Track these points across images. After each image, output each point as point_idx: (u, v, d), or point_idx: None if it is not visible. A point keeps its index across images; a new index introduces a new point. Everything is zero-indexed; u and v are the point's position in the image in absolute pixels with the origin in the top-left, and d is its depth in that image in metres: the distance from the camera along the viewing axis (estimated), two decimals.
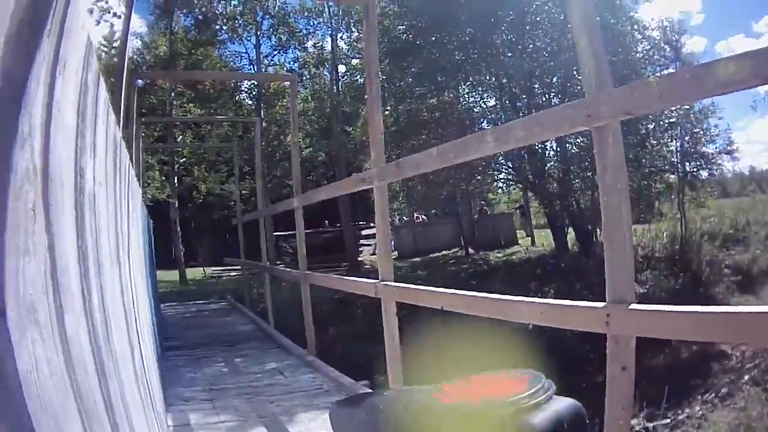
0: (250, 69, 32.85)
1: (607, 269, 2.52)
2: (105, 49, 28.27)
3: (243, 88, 33.86)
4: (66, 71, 1.34)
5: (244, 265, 15.53)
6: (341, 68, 33.13)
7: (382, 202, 4.85)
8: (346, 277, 5.34)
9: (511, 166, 26.43)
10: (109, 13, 9.03)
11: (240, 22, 31.38)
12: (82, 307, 1.44)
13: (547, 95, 24.92)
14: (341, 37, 32.70)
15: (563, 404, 1.28)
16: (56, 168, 1.22)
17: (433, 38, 24.01)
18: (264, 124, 29.52)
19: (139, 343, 3.46)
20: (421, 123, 24.79)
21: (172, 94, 29.02)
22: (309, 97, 31.93)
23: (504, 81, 24.89)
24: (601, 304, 2.50)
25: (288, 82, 12.84)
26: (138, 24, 32.18)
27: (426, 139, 23.69)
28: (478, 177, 26.26)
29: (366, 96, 5.23)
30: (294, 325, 10.32)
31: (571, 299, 2.85)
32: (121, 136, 3.04)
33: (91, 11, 8.97)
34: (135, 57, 31.06)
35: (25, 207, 0.96)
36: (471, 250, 29.54)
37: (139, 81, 31.48)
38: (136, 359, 2.88)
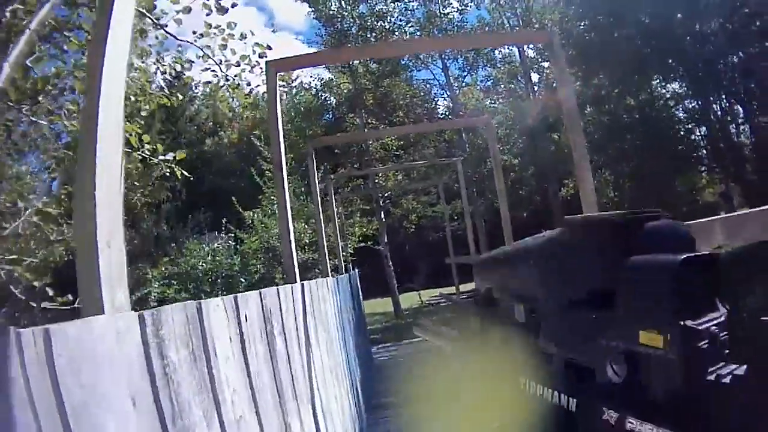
0: (441, 94, 32.92)
1: None
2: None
3: (440, 113, 33.90)
4: None
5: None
6: (534, 77, 32.46)
7: None
8: None
9: (710, 158, 25.08)
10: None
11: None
12: None
13: (730, 75, 23.76)
14: (528, 46, 31.79)
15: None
16: None
17: (616, 35, 23.13)
18: (466, 147, 29.30)
19: None
20: (623, 127, 23.92)
21: (366, 129, 29.39)
22: (509, 113, 31.37)
23: (688, 65, 23.54)
24: None
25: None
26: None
27: (630, 141, 23.00)
28: (683, 172, 25.03)
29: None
30: None
31: None
32: (301, 297, 2.84)
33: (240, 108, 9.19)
34: (322, 95, 32.05)
35: None
36: None
37: (329, 116, 32.67)
38: None
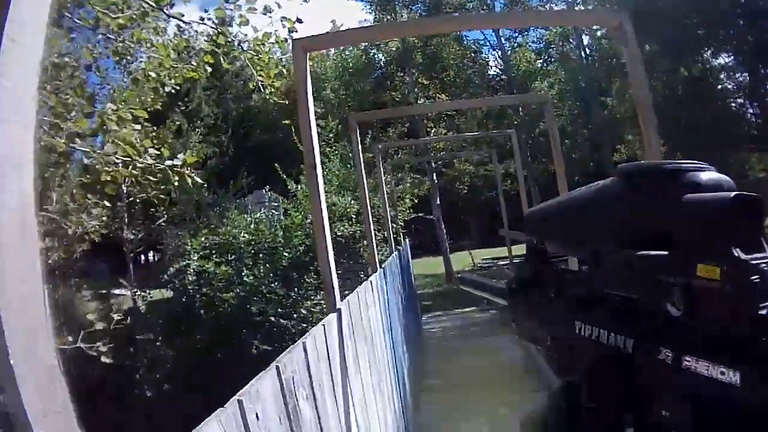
0: (492, 54, 32.74)
1: None
2: None
3: (491, 74, 33.48)
4: None
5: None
6: (585, 39, 31.55)
7: None
8: None
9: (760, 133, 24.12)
10: None
11: (470, 6, 29.58)
12: None
13: None
14: (579, 7, 30.73)
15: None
16: None
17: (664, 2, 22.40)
18: (519, 109, 28.50)
19: None
20: (675, 98, 23.28)
21: (416, 89, 28.78)
22: (561, 78, 30.45)
23: (738, 38, 23.25)
24: None
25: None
26: (362, 16, 32.95)
27: (682, 112, 22.54)
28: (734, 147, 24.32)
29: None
30: None
31: None
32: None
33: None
34: (371, 52, 31.70)
35: None
36: None
37: (379, 72, 32.12)
38: None
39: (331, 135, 15.73)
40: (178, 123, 20.06)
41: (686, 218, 1.35)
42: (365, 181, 7.83)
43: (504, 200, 14.10)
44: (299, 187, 13.91)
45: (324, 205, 3.81)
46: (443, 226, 27.90)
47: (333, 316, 3.45)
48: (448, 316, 15.87)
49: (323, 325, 3.09)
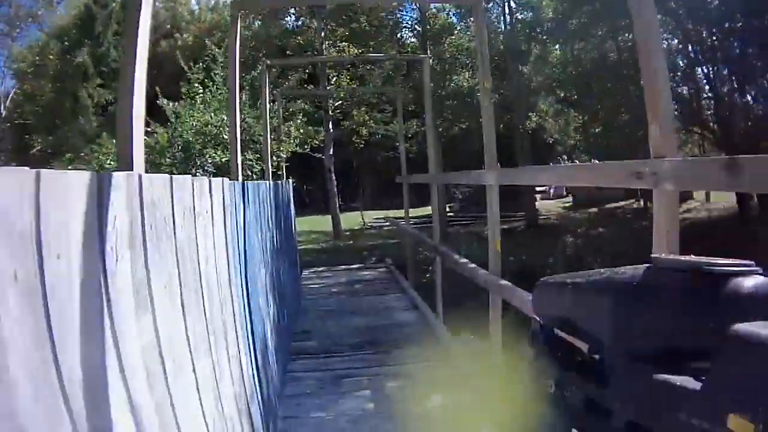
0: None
1: None
2: None
3: (405, 25, 32.32)
4: None
5: (405, 235, 13.08)
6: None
7: (669, 215, 2.78)
8: None
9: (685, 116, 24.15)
10: None
11: None
12: None
13: (727, 41, 23.17)
14: None
15: None
16: None
17: None
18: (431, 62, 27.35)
19: None
20: (607, 67, 23.05)
21: (323, 33, 27.11)
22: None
23: (688, 24, 22.91)
24: None
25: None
26: None
27: (605, 82, 22.34)
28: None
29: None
30: (472, 314, 7.48)
31: None
32: None
33: None
34: None
35: None
36: (648, 204, 27.07)
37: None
38: None
39: (217, 54, 14.26)
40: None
41: (731, 354, 1.08)
42: (237, 86, 6.53)
43: (405, 159, 13.04)
44: (173, 104, 12.31)
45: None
46: (334, 177, 26.70)
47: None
48: (332, 273, 14.48)
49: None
